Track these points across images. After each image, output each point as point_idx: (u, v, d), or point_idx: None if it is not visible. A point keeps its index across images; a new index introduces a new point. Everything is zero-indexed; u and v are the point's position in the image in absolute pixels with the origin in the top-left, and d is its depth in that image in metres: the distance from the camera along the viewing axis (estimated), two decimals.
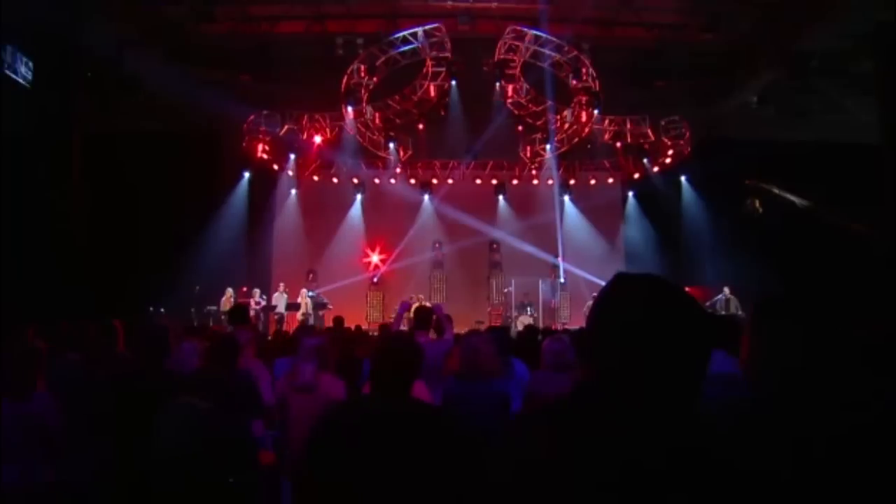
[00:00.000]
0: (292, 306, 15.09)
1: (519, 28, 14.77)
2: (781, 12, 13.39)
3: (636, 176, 17.39)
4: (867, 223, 10.96)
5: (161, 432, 1.88)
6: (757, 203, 11.72)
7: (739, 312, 13.47)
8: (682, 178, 16.97)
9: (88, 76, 12.23)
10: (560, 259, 17.14)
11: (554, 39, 14.91)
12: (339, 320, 8.30)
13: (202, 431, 1.87)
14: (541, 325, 15.79)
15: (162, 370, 3.90)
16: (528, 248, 17.07)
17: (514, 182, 18.03)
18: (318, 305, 15.35)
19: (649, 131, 16.26)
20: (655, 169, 16.66)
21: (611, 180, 17.94)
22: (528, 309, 16.32)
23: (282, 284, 15.55)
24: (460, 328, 11.85)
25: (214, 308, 14.13)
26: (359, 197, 17.69)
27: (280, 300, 15.09)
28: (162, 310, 13.30)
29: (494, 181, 17.93)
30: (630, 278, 1.29)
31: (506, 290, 17.12)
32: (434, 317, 5.27)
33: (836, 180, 13.45)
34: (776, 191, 11.64)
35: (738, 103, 15.77)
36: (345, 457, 2.11)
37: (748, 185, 12.09)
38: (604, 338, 1.23)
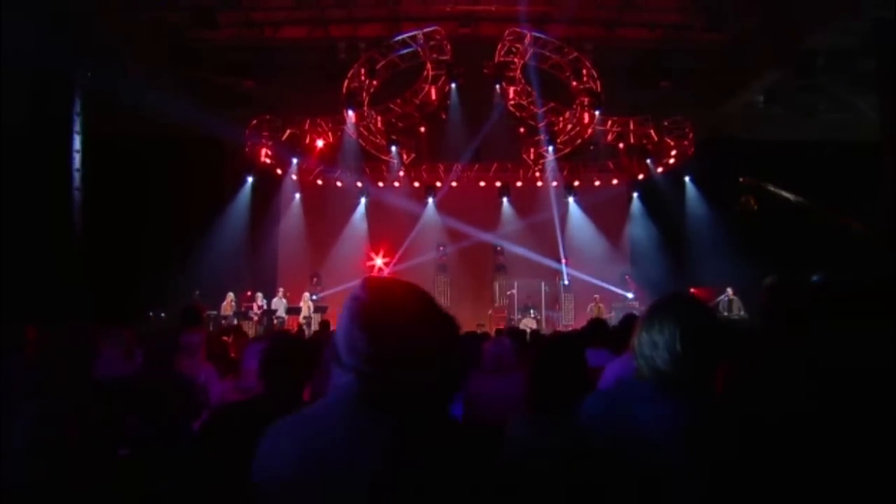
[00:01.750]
0: (293, 310, 15.14)
1: (518, 30, 14.71)
2: (784, 11, 13.19)
3: (640, 177, 17.23)
4: (868, 222, 10.74)
5: (11, 436, 1.86)
6: (752, 201, 11.55)
7: (742, 314, 13.24)
8: (686, 179, 16.76)
9: (88, 76, 12.38)
10: (563, 262, 17.01)
11: (554, 41, 14.84)
12: (325, 324, 8.34)
13: (49, 433, 1.85)
14: (544, 326, 15.70)
15: (85, 376, 3.78)
16: (533, 250, 16.94)
17: (518, 184, 17.89)
18: None
19: (652, 132, 16.09)
20: (659, 169, 16.50)
21: (615, 181, 17.72)
22: (532, 311, 16.21)
23: (281, 289, 15.61)
24: (462, 331, 11.89)
25: (215, 313, 14.21)
26: (362, 200, 17.68)
27: (279, 305, 15.15)
28: (162, 314, 13.41)
29: (498, 183, 17.78)
30: (378, 283, 1.34)
31: (509, 292, 16.98)
32: None
33: (843, 179, 13.19)
34: (771, 188, 11.47)
35: (743, 103, 15.57)
36: (223, 455, 2.10)
37: (743, 182, 11.96)
38: (354, 341, 1.26)
